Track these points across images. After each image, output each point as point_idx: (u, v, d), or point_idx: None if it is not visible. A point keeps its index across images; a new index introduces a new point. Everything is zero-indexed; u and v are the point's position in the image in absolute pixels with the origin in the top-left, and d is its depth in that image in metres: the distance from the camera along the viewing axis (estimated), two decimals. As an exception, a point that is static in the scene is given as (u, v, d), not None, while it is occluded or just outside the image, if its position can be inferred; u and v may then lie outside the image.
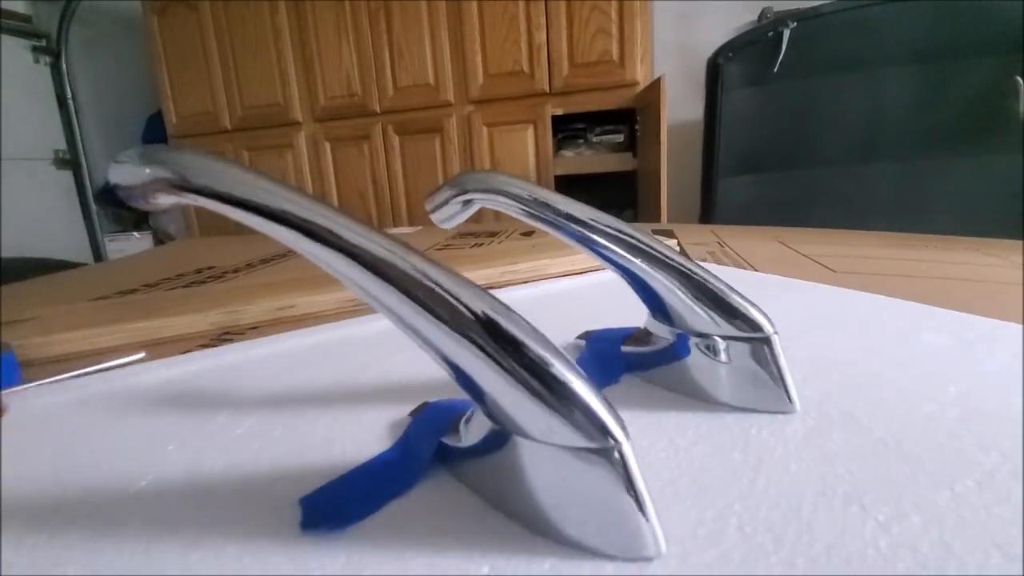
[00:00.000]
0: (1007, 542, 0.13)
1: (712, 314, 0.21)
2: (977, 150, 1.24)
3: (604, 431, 0.13)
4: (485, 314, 0.14)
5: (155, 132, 2.03)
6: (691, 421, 0.20)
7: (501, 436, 0.15)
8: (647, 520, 0.13)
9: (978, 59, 1.22)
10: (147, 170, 0.13)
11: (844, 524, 0.14)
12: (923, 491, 0.15)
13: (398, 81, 1.63)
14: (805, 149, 1.40)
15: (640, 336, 0.26)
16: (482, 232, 0.81)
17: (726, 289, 0.21)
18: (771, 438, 0.18)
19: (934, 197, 1.27)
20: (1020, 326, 0.29)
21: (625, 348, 0.26)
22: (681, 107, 1.68)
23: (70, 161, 2.00)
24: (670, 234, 0.71)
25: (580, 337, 0.30)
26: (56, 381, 0.33)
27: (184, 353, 0.37)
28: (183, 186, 0.13)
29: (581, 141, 1.64)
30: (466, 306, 0.14)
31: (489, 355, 0.14)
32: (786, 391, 0.20)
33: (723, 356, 0.21)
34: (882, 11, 1.29)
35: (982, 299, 0.38)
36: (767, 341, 0.20)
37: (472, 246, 0.69)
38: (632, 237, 0.22)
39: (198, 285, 0.59)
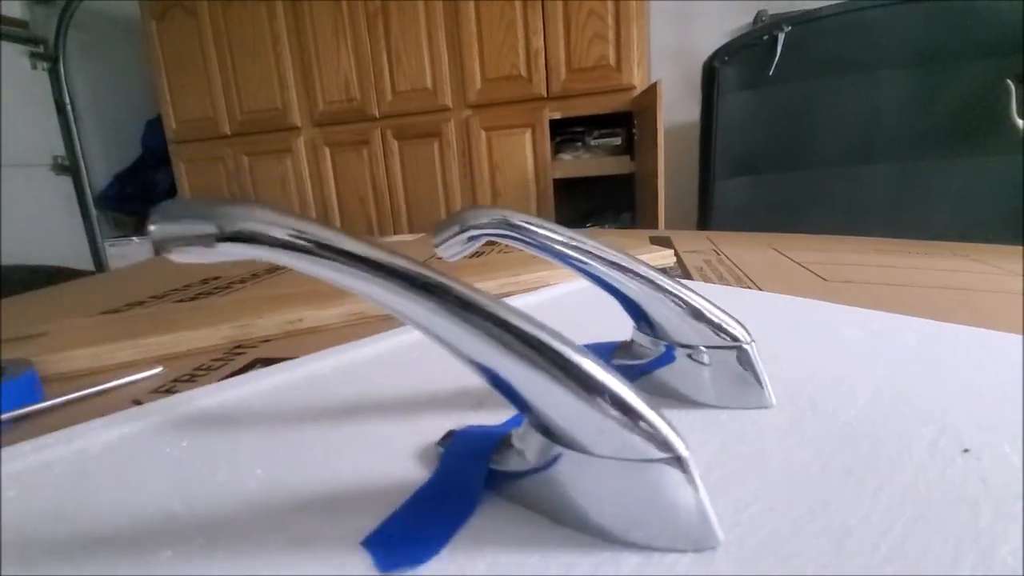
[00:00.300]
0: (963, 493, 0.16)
1: (697, 327, 0.24)
2: (972, 152, 1.26)
3: (668, 442, 0.15)
4: (548, 340, 0.15)
5: (154, 137, 2.04)
6: (691, 420, 0.23)
7: (561, 455, 0.16)
8: (709, 515, 0.15)
9: (971, 62, 1.24)
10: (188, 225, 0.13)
11: (849, 493, 0.17)
12: (892, 463, 0.18)
13: (397, 86, 1.65)
14: (802, 151, 1.41)
15: (627, 347, 0.28)
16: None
17: (707, 305, 0.24)
18: (763, 430, 0.21)
19: (930, 198, 1.29)
20: (967, 328, 0.30)
21: (616, 360, 0.28)
22: (678, 110, 1.70)
23: (69, 167, 2.00)
24: (667, 242, 0.72)
25: None
26: (77, 398, 0.35)
27: (199, 367, 0.38)
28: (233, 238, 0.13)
29: (579, 144, 1.65)
30: (532, 336, 0.15)
31: (559, 380, 0.15)
32: (764, 389, 0.23)
33: (707, 363, 0.24)
34: (877, 14, 1.30)
35: (962, 306, 0.39)
36: (745, 349, 0.24)
37: (472, 256, 0.70)
38: (628, 265, 0.24)
39: (205, 297, 0.60)
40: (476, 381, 0.17)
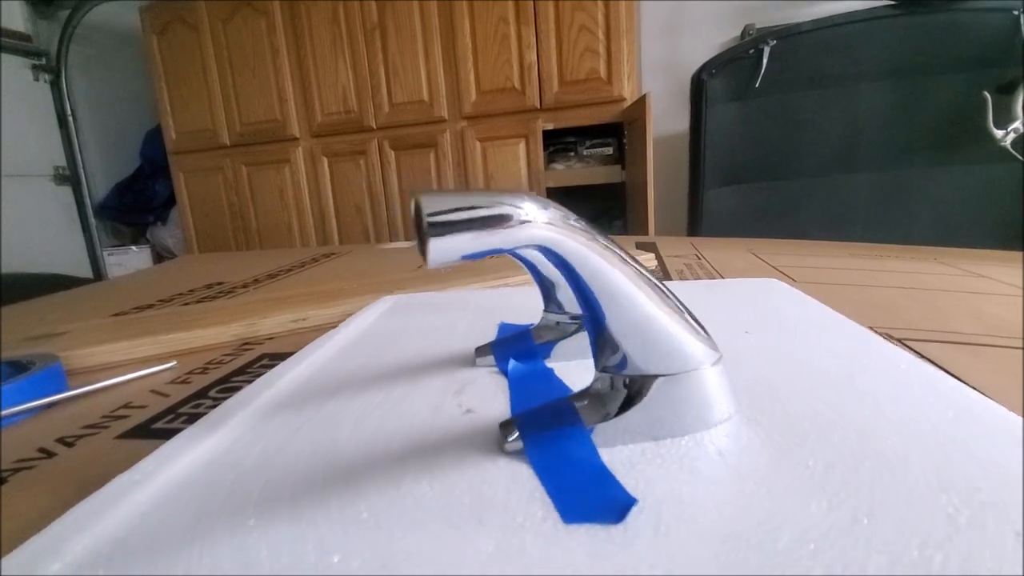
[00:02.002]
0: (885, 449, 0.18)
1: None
2: (951, 161, 1.30)
3: (712, 352, 0.21)
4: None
5: (153, 148, 2.07)
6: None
7: (653, 383, 0.21)
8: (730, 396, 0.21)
9: (949, 75, 1.29)
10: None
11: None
12: (850, 439, 0.20)
13: (393, 98, 1.69)
14: (787, 161, 1.46)
15: (541, 328, 0.32)
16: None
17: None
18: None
19: (911, 206, 1.33)
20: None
21: (536, 339, 0.31)
22: (668, 121, 1.75)
23: (69, 177, 2.03)
24: (652, 247, 0.76)
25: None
26: (100, 388, 0.38)
27: (211, 362, 0.41)
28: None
29: (572, 154, 1.69)
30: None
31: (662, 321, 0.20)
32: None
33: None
34: (858, 29, 1.35)
35: (920, 305, 0.42)
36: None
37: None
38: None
39: (211, 300, 0.63)
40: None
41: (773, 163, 1.47)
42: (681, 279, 0.55)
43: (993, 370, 0.30)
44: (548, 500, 0.17)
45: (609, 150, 1.65)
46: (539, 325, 0.32)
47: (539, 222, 0.18)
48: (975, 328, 0.37)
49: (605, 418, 0.21)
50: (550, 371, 0.29)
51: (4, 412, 0.34)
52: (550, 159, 1.68)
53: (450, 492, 0.18)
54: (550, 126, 1.60)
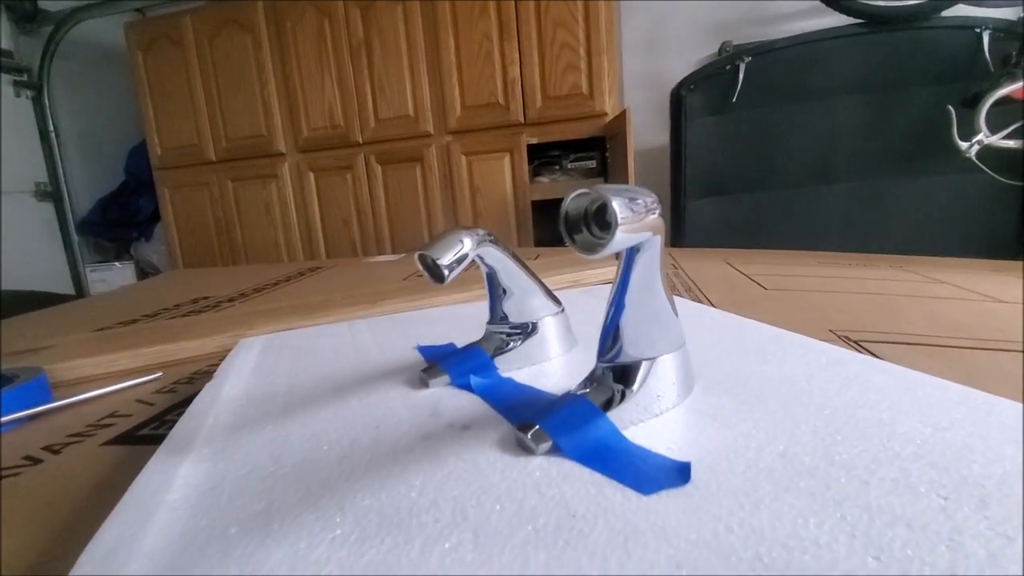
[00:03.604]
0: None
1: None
2: (920, 172, 1.35)
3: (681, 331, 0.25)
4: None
5: (137, 163, 2.06)
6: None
7: (648, 367, 0.24)
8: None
9: (917, 89, 1.34)
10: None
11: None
12: (770, 390, 0.23)
13: (379, 113, 1.70)
14: (765, 173, 1.49)
15: (486, 339, 0.34)
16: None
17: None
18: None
19: (884, 215, 1.37)
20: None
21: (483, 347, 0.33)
22: (649, 134, 1.78)
23: (52, 193, 2.02)
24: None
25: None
26: (86, 399, 0.38)
27: (196, 372, 0.42)
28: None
29: (556, 167, 1.72)
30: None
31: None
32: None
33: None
34: (830, 45, 1.40)
35: (880, 309, 0.44)
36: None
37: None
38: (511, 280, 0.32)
39: (196, 315, 0.63)
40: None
41: (751, 175, 1.50)
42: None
43: (944, 368, 0.32)
44: (614, 485, 0.19)
45: (592, 163, 1.68)
46: (484, 339, 0.33)
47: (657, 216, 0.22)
48: (930, 330, 0.39)
49: (611, 404, 0.23)
50: (511, 380, 0.30)
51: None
52: (535, 172, 1.70)
53: (523, 503, 0.18)
54: (534, 140, 1.62)
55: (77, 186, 2.09)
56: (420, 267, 0.28)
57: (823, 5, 1.42)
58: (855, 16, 1.39)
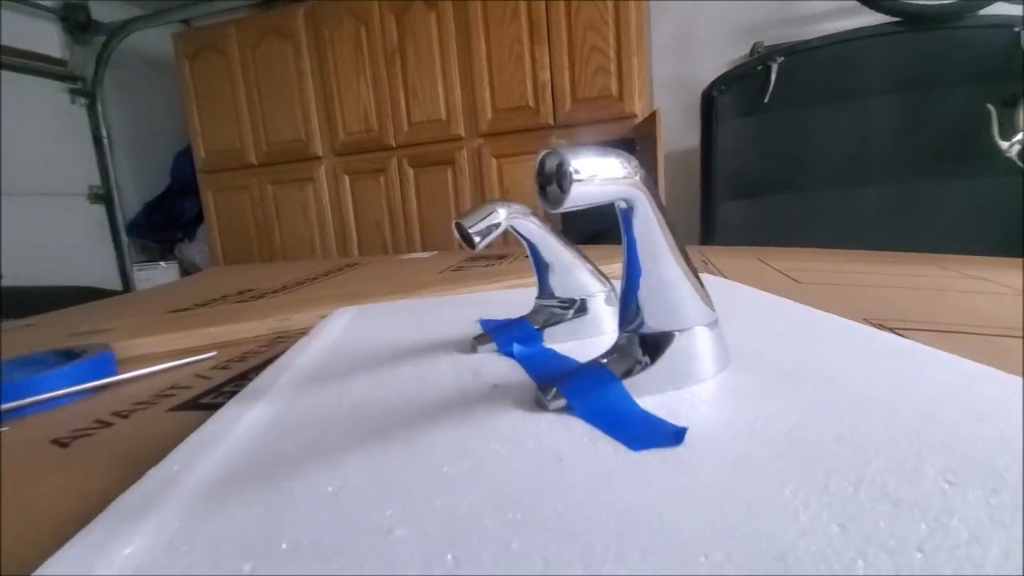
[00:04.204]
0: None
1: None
2: (958, 173, 1.31)
3: (711, 303, 0.26)
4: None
5: (182, 168, 2.16)
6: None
7: (668, 340, 0.24)
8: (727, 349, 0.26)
9: (955, 88, 1.31)
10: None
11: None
12: (813, 373, 0.23)
13: (412, 117, 1.75)
14: (797, 174, 1.47)
15: (535, 312, 0.36)
16: (492, 255, 0.89)
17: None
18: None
19: (920, 218, 1.34)
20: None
21: (531, 321, 0.35)
22: (679, 136, 1.78)
23: (103, 195, 2.12)
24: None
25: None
26: (148, 373, 0.41)
27: (248, 352, 0.45)
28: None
29: (585, 170, 1.73)
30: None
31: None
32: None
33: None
34: (865, 45, 1.38)
35: (914, 301, 0.44)
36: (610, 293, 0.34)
37: (484, 266, 0.76)
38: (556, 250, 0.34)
39: (243, 303, 0.67)
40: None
41: (783, 177, 1.49)
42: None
43: (968, 353, 0.32)
44: (609, 440, 0.20)
45: (621, 165, 1.68)
46: (533, 312, 0.35)
47: (634, 179, 0.23)
48: (965, 320, 0.39)
49: (631, 373, 0.24)
50: (552, 350, 0.31)
51: (58, 392, 0.37)
52: (564, 175, 1.72)
53: (521, 444, 0.21)
54: (563, 142, 1.64)
55: (126, 189, 2.19)
56: (456, 235, 0.30)
57: (858, 4, 1.40)
58: (891, 15, 1.37)
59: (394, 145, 1.78)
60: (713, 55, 1.79)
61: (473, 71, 1.65)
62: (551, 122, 1.63)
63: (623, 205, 0.23)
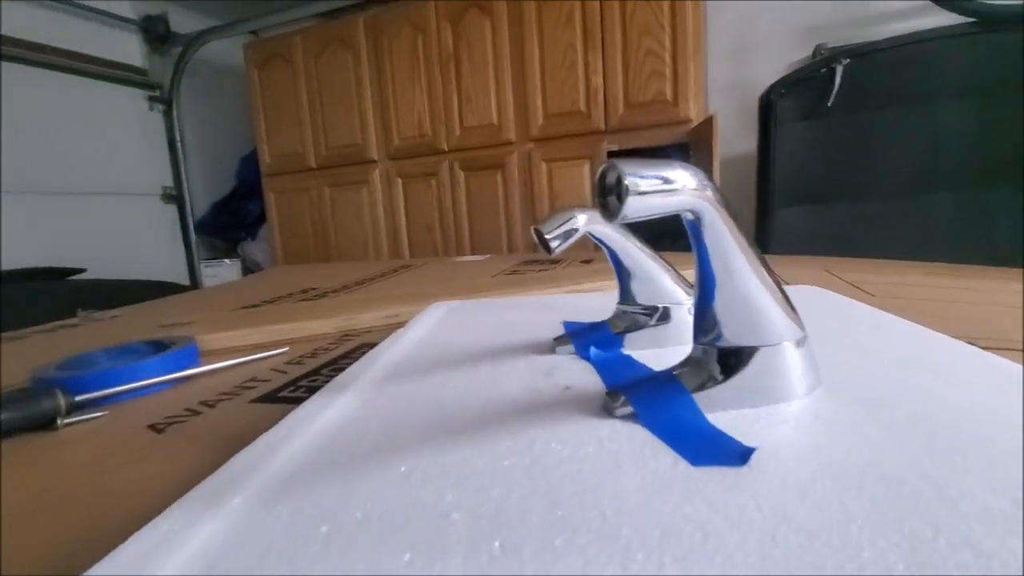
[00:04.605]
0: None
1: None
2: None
3: (800, 321, 0.24)
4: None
5: (247, 170, 2.27)
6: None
7: (747, 356, 0.23)
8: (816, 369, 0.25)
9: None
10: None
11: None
12: (920, 404, 0.22)
13: (464, 122, 1.77)
14: (862, 181, 1.41)
15: (615, 318, 0.35)
16: (546, 260, 0.90)
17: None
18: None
19: (994, 228, 1.26)
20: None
21: (611, 327, 0.35)
22: (735, 141, 1.73)
23: (175, 196, 2.26)
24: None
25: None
26: (226, 367, 0.44)
27: (318, 348, 0.47)
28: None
29: (636, 175, 1.71)
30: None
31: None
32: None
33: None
34: (936, 47, 1.31)
35: (1004, 319, 0.42)
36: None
37: (539, 271, 0.77)
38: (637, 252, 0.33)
39: (308, 301, 0.70)
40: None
41: (847, 183, 1.43)
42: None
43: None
44: (670, 452, 0.20)
45: (674, 171, 1.65)
46: (614, 317, 0.35)
47: (699, 191, 0.22)
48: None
49: (704, 386, 0.23)
50: (630, 357, 0.32)
51: (150, 381, 0.40)
52: (614, 180, 1.71)
53: (583, 448, 0.21)
54: (615, 147, 1.63)
55: (196, 190, 2.32)
56: (535, 239, 0.30)
57: (929, 4, 1.33)
58: (967, 15, 1.29)
59: (446, 149, 1.81)
60: (772, 57, 1.74)
61: (526, 76, 1.67)
62: (602, 127, 1.62)
63: (689, 216, 0.23)
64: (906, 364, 0.28)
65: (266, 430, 0.25)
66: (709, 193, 0.22)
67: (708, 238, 0.23)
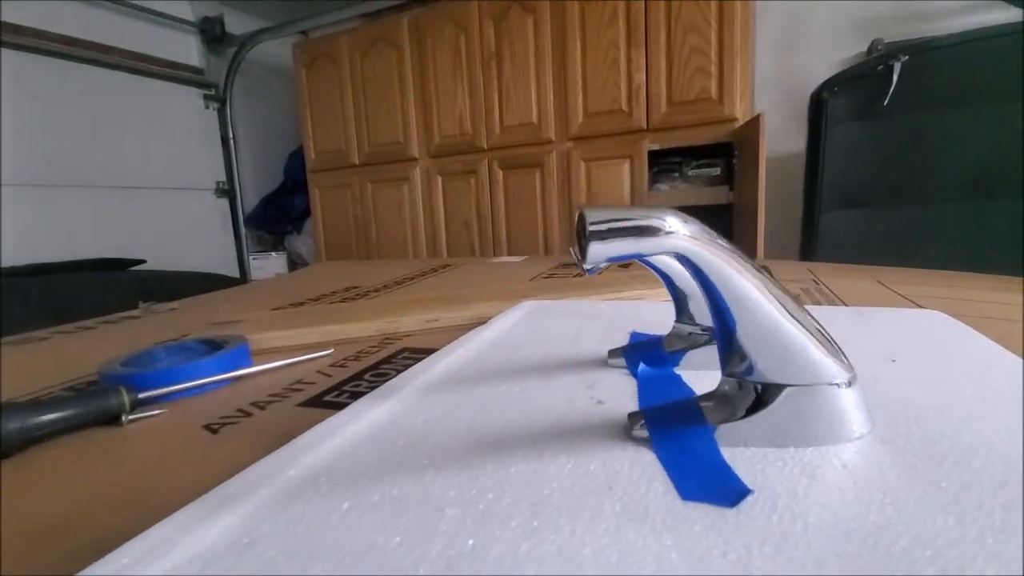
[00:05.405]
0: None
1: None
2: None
3: (845, 365, 0.22)
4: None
5: (294, 166, 2.34)
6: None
7: (781, 392, 0.22)
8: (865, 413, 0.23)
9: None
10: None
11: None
12: (992, 467, 0.20)
13: (504, 121, 1.78)
14: (917, 184, 1.35)
15: (672, 336, 0.35)
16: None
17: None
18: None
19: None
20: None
21: (667, 346, 0.34)
22: (781, 140, 1.68)
23: (227, 191, 2.35)
24: (766, 271, 0.75)
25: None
26: (275, 368, 0.46)
27: (360, 351, 0.48)
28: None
29: (676, 174, 1.68)
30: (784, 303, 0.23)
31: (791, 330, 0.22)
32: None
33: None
34: (1000, 44, 1.23)
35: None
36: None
37: (575, 275, 0.77)
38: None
39: (352, 301, 0.72)
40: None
41: (901, 186, 1.36)
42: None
43: None
44: (669, 481, 0.20)
45: (716, 170, 1.61)
46: (671, 334, 0.35)
47: (680, 233, 0.21)
48: None
49: (729, 419, 0.23)
50: (678, 376, 0.32)
51: (205, 380, 0.43)
52: (654, 179, 1.68)
53: (585, 464, 0.22)
54: (656, 146, 1.60)
55: (246, 185, 2.42)
56: (574, 256, 0.30)
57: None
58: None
59: (485, 147, 1.83)
60: (824, 53, 1.68)
61: (567, 75, 1.66)
62: (644, 126, 1.60)
63: (677, 257, 0.22)
64: (979, 400, 0.25)
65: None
66: (688, 233, 0.21)
67: (713, 277, 0.22)
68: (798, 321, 0.22)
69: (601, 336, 0.42)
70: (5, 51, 1.63)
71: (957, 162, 1.30)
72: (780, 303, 0.22)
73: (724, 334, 0.23)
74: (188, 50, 2.25)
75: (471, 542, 0.17)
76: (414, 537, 0.18)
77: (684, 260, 0.22)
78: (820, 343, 0.22)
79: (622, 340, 0.39)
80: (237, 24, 2.30)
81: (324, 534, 0.18)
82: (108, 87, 1.93)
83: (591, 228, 0.20)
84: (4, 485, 0.28)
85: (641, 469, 0.21)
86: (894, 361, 0.32)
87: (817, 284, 0.66)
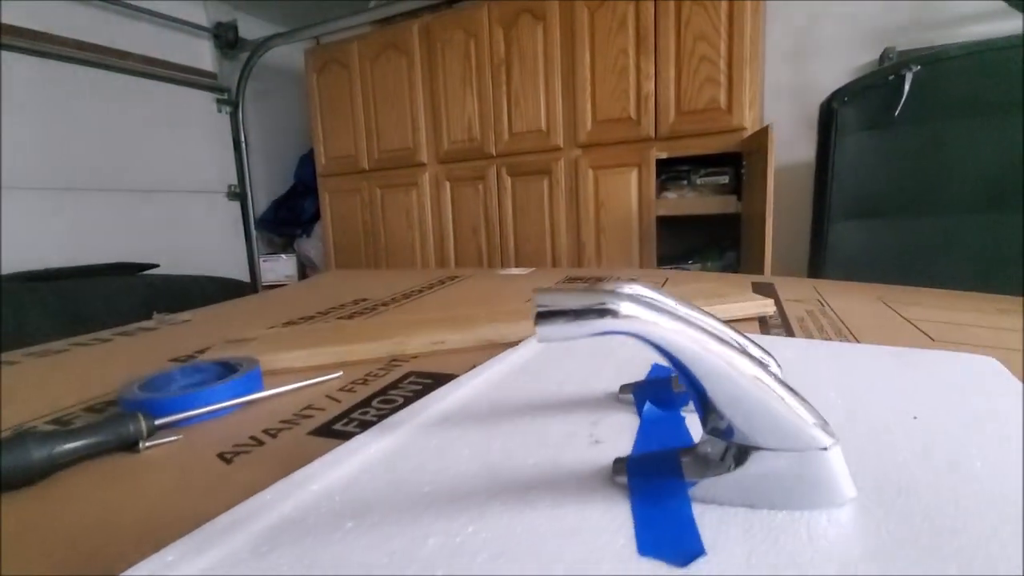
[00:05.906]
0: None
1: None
2: None
3: (826, 430, 0.22)
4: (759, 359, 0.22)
5: (305, 170, 2.36)
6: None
7: (753, 454, 0.22)
8: (846, 478, 0.22)
9: None
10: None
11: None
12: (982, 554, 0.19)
13: (513, 127, 1.79)
14: (928, 196, 1.34)
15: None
16: (589, 277, 0.90)
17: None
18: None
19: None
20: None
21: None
22: (790, 150, 1.68)
23: (239, 194, 2.38)
24: (770, 290, 0.75)
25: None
26: (285, 392, 0.47)
27: (368, 374, 0.49)
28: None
29: (684, 183, 1.68)
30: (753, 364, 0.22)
31: (764, 395, 0.22)
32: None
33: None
34: (1014, 54, 1.22)
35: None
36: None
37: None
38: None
39: (360, 315, 0.73)
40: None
41: (912, 198, 1.36)
42: (803, 331, 0.55)
43: None
44: (630, 532, 0.21)
45: (724, 179, 1.61)
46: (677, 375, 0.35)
47: (635, 317, 0.21)
48: None
49: (704, 476, 0.23)
50: (681, 419, 0.32)
51: (219, 405, 0.44)
52: (662, 187, 1.68)
53: (562, 506, 0.23)
54: (664, 155, 1.60)
55: (257, 189, 2.44)
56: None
57: (1006, 7, 1.24)
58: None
59: (494, 154, 1.84)
60: (835, 62, 1.67)
61: (575, 82, 1.66)
62: (652, 134, 1.60)
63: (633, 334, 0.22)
64: (976, 457, 0.24)
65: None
66: (643, 316, 0.21)
67: (676, 355, 0.22)
68: (769, 387, 0.22)
69: (620, 367, 0.41)
70: (20, 56, 1.66)
71: (969, 174, 1.29)
72: (751, 369, 0.21)
73: (699, 398, 0.23)
74: (202, 54, 2.28)
75: (440, 572, 0.19)
76: (400, 559, 0.20)
77: (640, 337, 0.21)
78: (796, 407, 0.22)
79: (641, 373, 0.38)
80: (250, 29, 2.33)
81: (327, 548, 0.21)
82: (123, 91, 1.96)
83: (539, 310, 0.21)
84: (33, 513, 0.29)
85: (611, 517, 0.22)
86: (915, 418, 0.30)
87: (822, 305, 0.66)
